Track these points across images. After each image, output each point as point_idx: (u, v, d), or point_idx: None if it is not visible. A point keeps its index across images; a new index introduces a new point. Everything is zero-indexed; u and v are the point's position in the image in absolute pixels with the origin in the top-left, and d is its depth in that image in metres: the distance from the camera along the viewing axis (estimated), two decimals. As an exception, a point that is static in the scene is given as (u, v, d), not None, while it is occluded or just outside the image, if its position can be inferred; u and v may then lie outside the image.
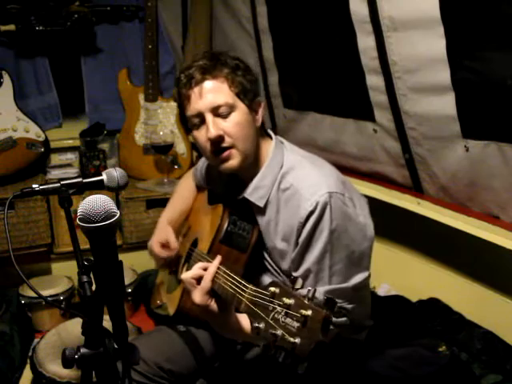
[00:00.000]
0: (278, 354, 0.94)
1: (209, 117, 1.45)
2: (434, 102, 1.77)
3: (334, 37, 2.07)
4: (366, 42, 1.90)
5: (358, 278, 1.47)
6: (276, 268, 1.56)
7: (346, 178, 1.58)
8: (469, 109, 1.69)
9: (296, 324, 0.92)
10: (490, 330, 1.88)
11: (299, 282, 0.99)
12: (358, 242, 1.47)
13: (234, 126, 1.45)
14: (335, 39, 2.07)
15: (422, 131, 1.89)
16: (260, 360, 1.59)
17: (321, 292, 1.37)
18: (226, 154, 1.46)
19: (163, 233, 1.78)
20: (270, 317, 0.98)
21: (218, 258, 1.34)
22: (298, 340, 0.90)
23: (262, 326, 0.99)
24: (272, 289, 1.00)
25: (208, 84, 1.46)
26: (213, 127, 1.44)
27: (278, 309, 0.97)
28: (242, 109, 1.47)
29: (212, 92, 1.45)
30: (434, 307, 2.06)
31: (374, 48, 1.88)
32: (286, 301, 0.95)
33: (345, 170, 2.26)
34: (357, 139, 2.21)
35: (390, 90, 1.91)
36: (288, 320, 0.94)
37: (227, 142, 1.45)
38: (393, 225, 2.20)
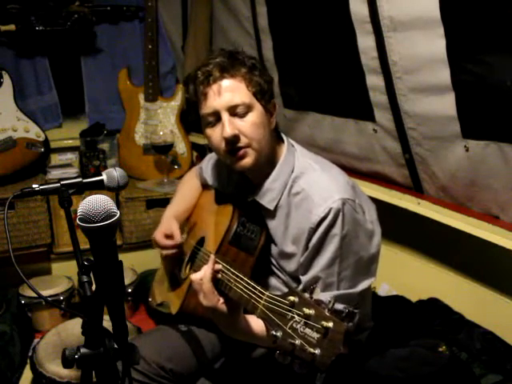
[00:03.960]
0: (294, 364, 0.93)
1: (225, 116, 1.44)
2: (433, 102, 1.77)
3: (334, 37, 2.07)
4: (365, 41, 1.90)
5: (365, 284, 1.48)
6: (282, 270, 1.56)
7: (355, 182, 1.58)
8: (469, 109, 1.69)
9: (316, 335, 0.91)
10: (489, 330, 1.88)
11: (317, 291, 0.98)
12: (366, 248, 1.48)
13: (250, 126, 1.45)
14: (335, 39, 2.07)
15: (422, 131, 1.89)
16: (263, 360, 1.59)
17: (329, 297, 1.37)
18: (241, 152, 1.46)
19: (168, 225, 1.76)
20: (288, 326, 0.97)
21: (212, 260, 1.33)
22: (318, 351, 0.89)
23: (279, 334, 0.98)
24: (291, 298, 0.99)
25: (226, 82, 1.45)
26: (229, 126, 1.43)
27: (297, 318, 0.96)
28: (258, 109, 1.47)
29: (230, 91, 1.44)
30: (434, 307, 2.06)
31: (374, 48, 1.88)
32: (306, 311, 0.94)
33: (345, 169, 2.25)
34: (357, 139, 2.21)
35: (390, 90, 1.91)
36: (307, 330, 0.93)
37: (243, 141, 1.45)
38: (393, 225, 2.20)
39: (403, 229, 2.25)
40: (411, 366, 1.65)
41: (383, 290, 2.32)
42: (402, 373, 1.63)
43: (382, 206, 2.03)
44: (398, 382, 1.62)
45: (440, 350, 1.70)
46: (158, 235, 1.75)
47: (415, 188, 2.10)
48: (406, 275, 2.27)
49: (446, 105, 1.73)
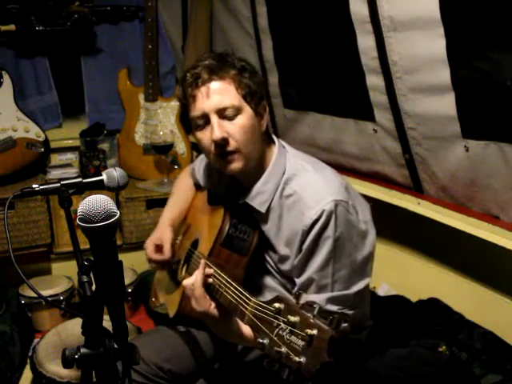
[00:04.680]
0: (282, 371, 0.93)
1: (214, 118, 1.43)
2: (433, 102, 1.77)
3: (334, 37, 2.07)
4: (365, 41, 1.90)
5: (359, 285, 1.47)
6: (278, 271, 1.56)
7: (348, 182, 1.57)
8: (469, 109, 1.69)
9: (301, 343, 0.90)
10: (489, 330, 1.88)
11: (303, 297, 0.97)
12: (360, 249, 1.48)
13: (239, 129, 1.43)
14: (335, 39, 2.07)
15: (422, 131, 1.89)
16: (261, 361, 1.58)
17: (323, 299, 1.37)
18: (230, 157, 1.45)
19: (161, 234, 1.77)
20: (275, 333, 0.97)
21: (202, 265, 1.33)
22: (303, 359, 0.89)
23: (266, 341, 0.98)
24: (277, 305, 0.99)
25: (215, 85, 1.44)
26: (218, 129, 1.42)
27: (283, 325, 0.95)
28: (247, 112, 1.45)
29: (218, 93, 1.43)
30: (434, 307, 2.06)
31: (374, 48, 1.88)
32: (291, 318, 0.93)
33: (345, 169, 2.27)
34: (357, 139, 2.21)
35: (390, 90, 1.91)
36: (293, 338, 0.92)
37: (232, 145, 1.43)
38: (393, 225, 2.20)
39: (403, 229, 2.25)
40: (411, 365, 1.65)
41: (383, 289, 2.32)
42: (401, 373, 1.63)
43: (382, 206, 2.04)
44: (398, 381, 1.62)
45: (440, 349, 1.70)
46: (149, 247, 1.75)
47: (415, 188, 2.10)
48: (406, 275, 2.27)
49: (446, 105, 1.73)
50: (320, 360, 0.87)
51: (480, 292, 1.95)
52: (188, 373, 1.60)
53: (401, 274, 2.29)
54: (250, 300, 1.13)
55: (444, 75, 1.68)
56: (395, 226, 2.24)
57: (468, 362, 1.78)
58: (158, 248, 1.74)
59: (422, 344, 1.75)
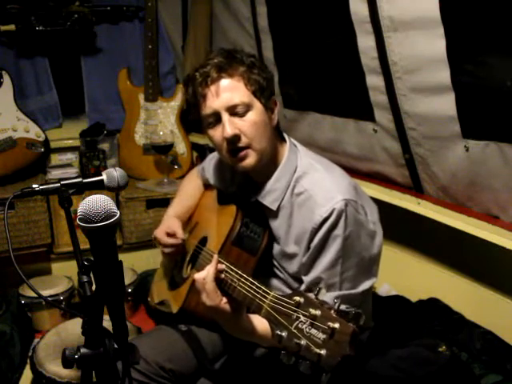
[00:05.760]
0: (299, 364, 0.93)
1: (225, 116, 1.44)
2: (434, 102, 1.77)
3: (334, 37, 2.07)
4: (366, 41, 1.90)
5: (366, 285, 1.48)
6: (283, 270, 1.56)
7: (357, 183, 1.58)
8: (469, 109, 1.69)
9: (322, 336, 0.91)
10: (489, 330, 1.88)
11: (323, 292, 0.98)
12: (368, 249, 1.48)
13: (250, 125, 1.45)
14: (335, 39, 2.07)
15: (422, 131, 1.89)
16: (265, 359, 1.59)
17: (331, 298, 1.37)
18: (242, 153, 1.46)
19: (169, 223, 1.77)
20: (294, 326, 0.97)
21: (215, 259, 1.33)
22: (323, 352, 0.89)
23: (284, 334, 0.98)
24: (296, 298, 0.99)
25: (224, 82, 1.45)
26: (229, 126, 1.43)
27: (303, 319, 0.96)
28: (258, 108, 1.47)
29: (228, 91, 1.44)
30: (434, 307, 2.06)
31: (374, 48, 1.88)
32: (312, 311, 0.94)
33: (345, 169, 2.25)
34: (357, 139, 2.21)
35: (390, 90, 1.91)
36: (313, 331, 0.93)
37: (243, 141, 1.45)
38: (393, 225, 2.19)
39: (403, 229, 2.25)
40: (411, 366, 1.65)
41: (383, 290, 2.32)
42: (402, 373, 1.63)
43: (382, 206, 2.03)
44: (398, 381, 1.62)
45: (440, 349, 1.70)
46: (160, 233, 1.76)
47: (415, 188, 2.10)
48: (406, 275, 2.27)
49: (446, 105, 1.73)
50: (341, 353, 0.88)
51: (480, 292, 1.95)
52: (189, 372, 1.60)
53: (401, 274, 2.28)
54: (268, 294, 1.13)
55: (444, 75, 1.68)
56: (395, 226, 2.23)
57: (468, 362, 1.78)
58: (170, 235, 1.75)
59: (422, 344, 1.75)
